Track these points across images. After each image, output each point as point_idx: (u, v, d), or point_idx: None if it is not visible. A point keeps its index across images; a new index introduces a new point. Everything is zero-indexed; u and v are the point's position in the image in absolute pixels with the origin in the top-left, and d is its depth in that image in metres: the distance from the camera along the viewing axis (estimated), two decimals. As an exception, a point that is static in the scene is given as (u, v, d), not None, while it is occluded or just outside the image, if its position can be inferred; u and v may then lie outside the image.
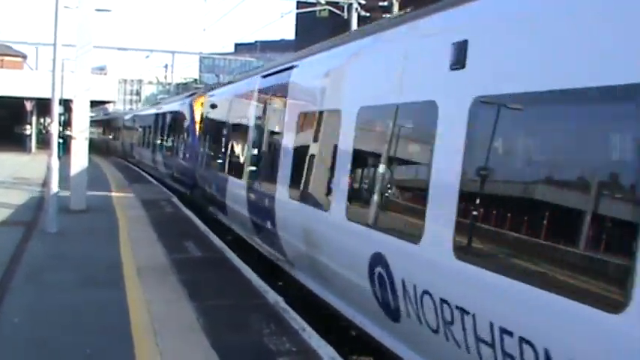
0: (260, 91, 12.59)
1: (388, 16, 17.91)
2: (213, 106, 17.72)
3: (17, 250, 12.50)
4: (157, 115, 31.29)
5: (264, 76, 12.41)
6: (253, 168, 12.24)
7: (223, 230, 15.42)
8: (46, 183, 17.61)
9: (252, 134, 12.82)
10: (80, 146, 18.26)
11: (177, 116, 25.21)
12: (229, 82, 18.37)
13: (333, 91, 8.80)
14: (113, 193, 22.93)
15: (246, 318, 8.48)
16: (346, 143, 7.87)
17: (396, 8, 26.30)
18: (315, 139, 9.35)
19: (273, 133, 11.36)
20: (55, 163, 15.09)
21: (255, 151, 12.28)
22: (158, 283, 10.28)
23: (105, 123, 61.43)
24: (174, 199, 21.94)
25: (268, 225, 10.82)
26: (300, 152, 9.64)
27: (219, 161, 15.59)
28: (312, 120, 9.47)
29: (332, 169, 8.22)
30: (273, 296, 9.60)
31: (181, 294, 9.62)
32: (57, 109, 15.82)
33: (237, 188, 13.27)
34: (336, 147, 8.12)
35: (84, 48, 18.27)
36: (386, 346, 6.89)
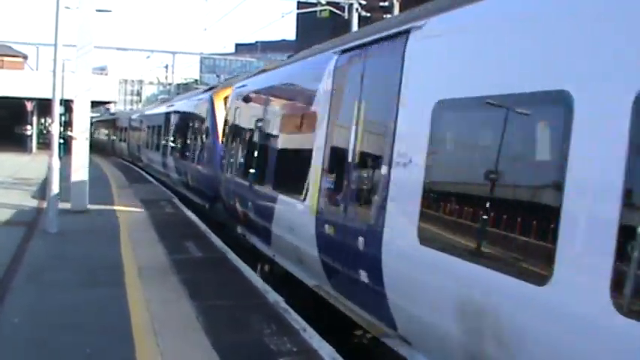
0: (339, 74, 8.36)
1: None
2: (248, 100, 13.15)
3: (18, 250, 12.50)
4: (168, 113, 26.88)
5: (346, 51, 8.30)
6: (331, 187, 8.05)
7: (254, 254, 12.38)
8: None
9: (325, 136, 8.44)
10: (81, 146, 18.27)
11: (193, 114, 20.95)
12: (263, 71, 13.78)
13: (537, 58, 4.76)
14: (114, 194, 22.95)
15: (246, 318, 8.47)
16: (600, 155, 4.09)
17: (396, 9, 26.33)
18: (484, 143, 5.43)
19: (372, 134, 7.38)
20: (56, 163, 15.10)
21: (335, 162, 8.02)
22: (159, 283, 10.28)
23: (110, 123, 57.01)
24: (175, 200, 21.94)
25: (362, 277, 7.02)
26: (447, 166, 5.86)
27: (261, 172, 11.02)
28: (465, 111, 5.59)
29: (553, 201, 4.40)
30: (273, 296, 9.59)
31: (182, 294, 9.61)
32: (57, 109, 15.84)
33: (295, 213, 9.18)
34: (560, 159, 4.35)
35: (84, 48, 18.29)
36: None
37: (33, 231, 14.67)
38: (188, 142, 21.39)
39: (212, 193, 16.57)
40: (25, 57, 64.65)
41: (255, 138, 12.02)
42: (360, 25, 26.62)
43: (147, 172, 32.93)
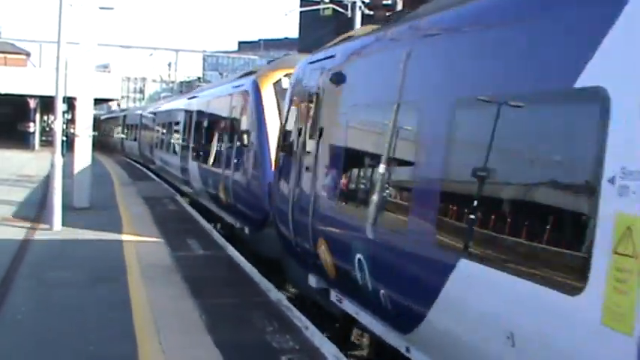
0: None
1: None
2: (339, 80, 7.63)
3: (20, 247, 12.51)
4: (190, 106, 21.35)
5: None
6: None
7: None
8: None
9: None
10: (84, 144, 18.31)
11: (228, 106, 15.27)
12: (368, 34, 7.76)
13: None
14: (117, 191, 22.97)
15: (249, 316, 8.48)
16: None
17: (400, 7, 26.30)
18: None
19: None
20: (59, 160, 15.12)
21: None
22: (161, 280, 10.29)
23: (120, 120, 50.37)
24: (178, 197, 21.94)
25: None
26: None
27: (403, 205, 5.99)
28: None
29: None
30: (275, 294, 9.59)
31: (184, 291, 9.62)
32: (60, 106, 15.87)
33: (532, 312, 4.08)
34: None
35: (87, 46, 18.33)
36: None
37: (35, 228, 14.68)
38: (220, 143, 15.85)
39: (258, 215, 12.20)
40: (27, 54, 64.64)
41: (379, 141, 6.49)
42: (362, 24, 26.58)
43: (160, 177, 28.28)
